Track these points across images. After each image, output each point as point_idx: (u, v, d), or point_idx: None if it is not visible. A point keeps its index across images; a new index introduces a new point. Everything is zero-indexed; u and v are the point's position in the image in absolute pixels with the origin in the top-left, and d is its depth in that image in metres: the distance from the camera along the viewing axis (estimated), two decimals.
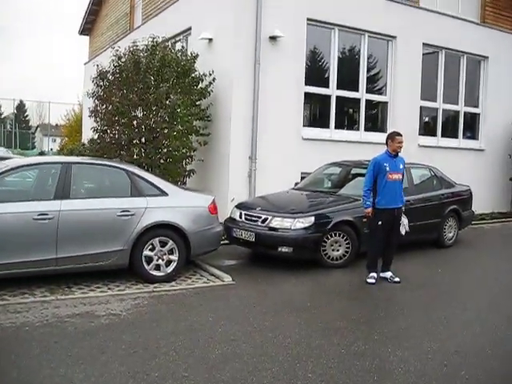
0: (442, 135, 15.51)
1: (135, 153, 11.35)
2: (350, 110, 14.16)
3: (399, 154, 8.10)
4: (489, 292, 7.75)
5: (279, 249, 8.34)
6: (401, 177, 8.04)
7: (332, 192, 9.92)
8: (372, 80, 14.14)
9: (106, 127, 11.58)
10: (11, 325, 5.56)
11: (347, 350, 5.18)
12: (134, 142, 11.33)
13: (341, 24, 13.06)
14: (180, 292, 7.09)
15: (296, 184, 10.73)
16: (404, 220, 8.17)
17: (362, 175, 9.63)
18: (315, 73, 13.17)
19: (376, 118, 14.45)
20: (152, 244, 7.34)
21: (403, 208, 8.16)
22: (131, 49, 11.52)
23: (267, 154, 11.77)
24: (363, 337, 5.58)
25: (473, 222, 12.53)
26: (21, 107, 66.26)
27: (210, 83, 11.80)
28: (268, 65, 11.79)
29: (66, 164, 7.19)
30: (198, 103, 11.77)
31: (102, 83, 11.58)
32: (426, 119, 15.66)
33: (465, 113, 16.04)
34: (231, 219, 9.25)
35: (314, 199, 9.60)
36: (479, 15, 16.18)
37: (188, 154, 11.62)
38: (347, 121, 14.11)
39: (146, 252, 7.32)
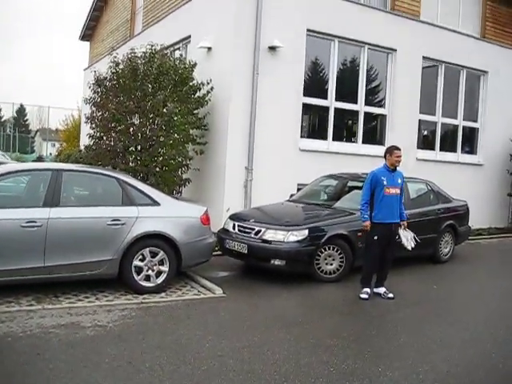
0: (441, 149, 15.44)
1: (131, 160, 11.24)
2: (349, 122, 14.09)
3: (398, 168, 8.00)
4: (484, 310, 7.64)
5: (272, 261, 8.23)
6: (399, 191, 7.92)
7: (327, 205, 9.82)
8: (371, 92, 14.07)
9: (101, 134, 11.49)
10: None
11: (336, 369, 5.06)
12: (130, 149, 11.24)
13: (341, 36, 13.01)
14: (169, 304, 6.96)
15: (291, 196, 10.63)
16: (408, 234, 8.05)
17: (359, 188, 9.57)
18: (314, 84, 13.10)
19: (374, 131, 14.37)
20: (142, 254, 7.23)
21: (405, 223, 8.05)
22: (129, 56, 11.45)
23: (264, 164, 11.68)
24: (354, 355, 5.46)
25: (469, 238, 12.44)
26: (21, 111, 66.28)
27: (208, 92, 11.72)
28: (267, 75, 11.72)
29: (56, 171, 7.07)
30: (195, 112, 11.69)
31: (99, 89, 11.51)
32: (425, 133, 15.59)
33: (464, 127, 15.98)
34: (224, 230, 9.14)
35: (309, 212, 9.51)
36: (479, 30, 16.18)
37: (184, 162, 11.52)
38: (345, 133, 14.05)
39: (136, 262, 7.20)
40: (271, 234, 8.34)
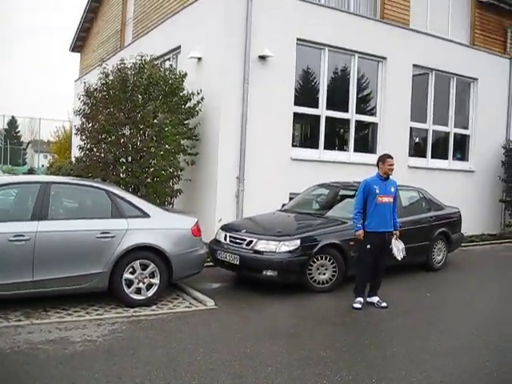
0: (432, 156, 15.45)
1: (121, 172, 11.18)
2: (340, 131, 14.08)
3: (391, 177, 7.98)
4: (477, 318, 7.60)
5: (264, 272, 8.17)
6: (392, 200, 7.88)
7: (319, 214, 9.77)
8: (362, 101, 14.08)
9: (92, 145, 11.43)
10: None
11: (330, 381, 5.00)
12: (121, 160, 11.18)
13: (331, 44, 13.02)
14: (160, 317, 6.88)
15: (283, 205, 10.58)
16: (399, 245, 8.00)
17: (351, 197, 9.58)
18: (305, 93, 13.10)
19: (366, 139, 14.38)
20: (133, 267, 7.16)
21: (398, 232, 8.02)
22: (119, 66, 11.41)
23: (255, 174, 11.64)
24: (347, 366, 5.40)
25: (462, 244, 12.45)
26: (12, 123, 66.17)
27: (199, 102, 11.69)
28: (257, 84, 11.70)
29: (45, 184, 7.01)
30: (185, 122, 11.65)
31: (88, 101, 11.46)
32: (416, 140, 15.60)
33: (455, 134, 16.01)
34: (216, 241, 9.08)
35: (301, 221, 9.45)
36: (469, 37, 16.27)
37: (175, 173, 11.47)
38: (337, 141, 14.03)
39: (127, 275, 7.13)
40: (263, 245, 8.29)
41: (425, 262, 10.55)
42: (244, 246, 8.45)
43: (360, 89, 13.91)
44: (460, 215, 11.60)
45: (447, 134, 15.88)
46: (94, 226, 6.99)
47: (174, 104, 11.40)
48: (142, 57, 11.59)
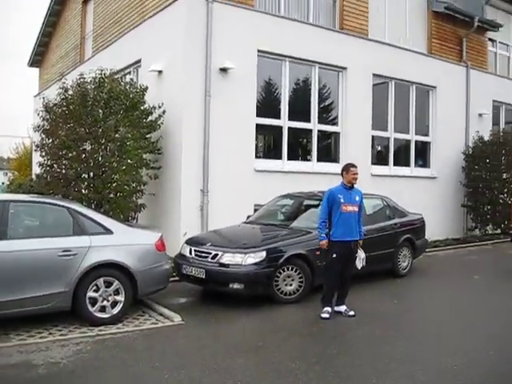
0: (395, 164, 15.63)
1: (83, 188, 11.01)
2: (303, 141, 14.13)
3: (355, 186, 8.01)
4: (443, 323, 7.63)
5: (230, 285, 8.10)
6: (356, 209, 7.90)
7: (284, 225, 9.76)
8: (324, 111, 14.17)
9: (52, 162, 11.23)
10: None
11: None
12: (82, 176, 11.01)
13: (291, 55, 13.09)
14: (126, 335, 6.75)
15: (248, 217, 10.54)
16: (361, 254, 8.02)
17: (315, 207, 9.60)
18: (267, 104, 13.13)
19: (329, 149, 14.47)
20: (96, 285, 7.01)
21: (361, 242, 8.05)
22: (78, 81, 11.27)
23: (219, 186, 11.59)
24: (316, 377, 5.38)
25: (427, 250, 12.60)
26: None
27: (160, 116, 11.61)
28: (219, 97, 11.68)
29: (3, 202, 6.84)
30: (147, 136, 11.54)
31: (48, 116, 11.27)
32: (379, 148, 15.76)
33: (416, 141, 16.24)
34: (181, 255, 8.97)
35: (266, 233, 9.42)
36: (426, 47, 16.57)
37: (138, 188, 11.34)
38: (300, 152, 14.08)
39: (90, 293, 6.97)
40: (229, 258, 8.22)
41: (391, 268, 10.62)
42: (209, 259, 8.37)
43: (321, 99, 14.01)
44: (423, 221, 11.73)
45: (408, 141, 16.10)
46: (55, 244, 6.83)
47: (135, 118, 11.29)
48: (101, 71, 11.45)
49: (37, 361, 5.70)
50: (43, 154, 11.28)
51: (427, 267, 11.93)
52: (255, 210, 11.17)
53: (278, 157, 13.06)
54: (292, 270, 8.48)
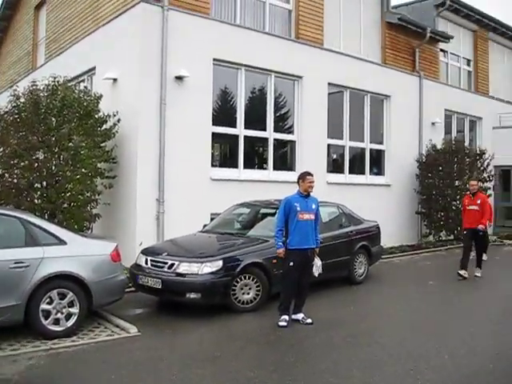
0: (350, 172, 15.81)
1: (36, 197, 10.77)
2: (259, 150, 14.17)
3: (312, 194, 8.06)
4: (399, 328, 7.75)
5: (187, 295, 8.03)
6: (313, 217, 7.95)
7: (241, 233, 9.75)
8: (280, 119, 14.25)
9: (3, 171, 10.95)
10: None
11: None
12: (35, 186, 10.76)
13: (247, 64, 13.12)
14: (81, 348, 6.62)
15: (204, 226, 10.49)
16: (317, 261, 8.06)
17: (272, 215, 9.63)
18: (223, 112, 13.12)
19: (285, 157, 14.53)
20: (50, 297, 6.84)
21: (317, 249, 8.08)
22: (31, 88, 11.04)
23: (175, 195, 11.50)
24: None
25: (383, 257, 12.77)
26: None
27: (115, 124, 11.45)
28: (174, 105, 11.61)
29: None
30: (102, 145, 11.36)
31: None
32: (334, 156, 15.93)
33: (371, 150, 16.47)
34: (137, 265, 8.84)
35: (223, 242, 9.38)
36: (380, 56, 16.87)
37: (93, 197, 11.14)
38: (256, 160, 14.10)
39: (44, 306, 6.80)
40: (185, 267, 8.15)
41: (347, 275, 10.71)
42: (166, 269, 8.28)
43: (277, 107, 14.08)
44: (379, 228, 11.89)
45: (363, 149, 16.31)
46: (6, 256, 6.62)
47: (89, 126, 11.11)
48: (55, 78, 11.24)
49: None
50: None
51: (383, 274, 12.08)
52: (211, 219, 11.13)
53: (235, 165, 13.05)
54: (249, 278, 8.47)
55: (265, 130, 13.61)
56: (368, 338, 7.17)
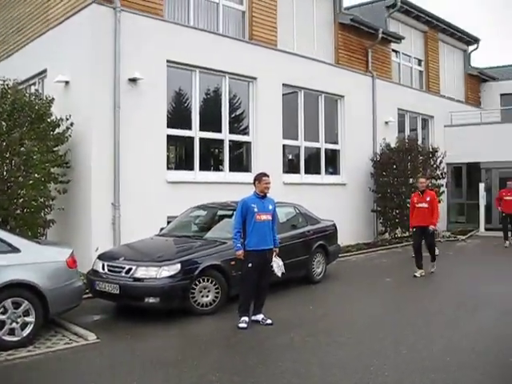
0: (306, 172, 15.91)
1: None
2: (215, 151, 14.15)
3: (268, 194, 8.08)
4: (359, 327, 7.82)
5: (146, 299, 7.93)
6: (270, 218, 7.97)
7: (198, 236, 9.70)
8: (235, 120, 14.25)
9: None
10: None
11: None
12: None
13: (201, 66, 13.07)
14: (38, 357, 6.46)
15: (161, 229, 10.40)
16: (279, 261, 8.08)
17: (229, 217, 9.63)
18: (178, 115, 13.04)
19: (241, 158, 14.54)
20: (4, 306, 6.63)
21: (277, 249, 8.11)
22: None
23: (131, 199, 11.38)
24: None
25: (340, 255, 12.87)
26: None
27: (68, 128, 11.25)
28: (128, 108, 11.49)
29: None
30: (55, 149, 11.15)
31: None
32: (290, 157, 16.01)
33: (326, 149, 16.63)
34: (94, 271, 8.69)
35: (180, 245, 9.31)
36: (333, 57, 17.06)
37: (46, 203, 10.94)
38: (212, 162, 14.07)
39: None
40: (143, 272, 8.07)
41: (305, 275, 10.77)
42: (123, 274, 8.18)
43: (232, 109, 14.08)
44: (335, 227, 12.00)
45: (318, 149, 16.45)
46: None
47: (41, 131, 10.88)
48: (4, 81, 10.99)
49: None
50: None
51: (341, 272, 12.21)
52: (168, 222, 11.05)
53: (190, 168, 12.99)
54: (208, 281, 8.44)
55: (220, 131, 13.59)
56: (327, 337, 7.23)
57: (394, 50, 19.93)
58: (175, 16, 13.15)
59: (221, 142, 13.65)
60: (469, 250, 16.59)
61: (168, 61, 12.33)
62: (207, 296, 8.44)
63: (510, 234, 16.91)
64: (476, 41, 24.69)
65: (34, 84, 13.68)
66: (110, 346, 6.96)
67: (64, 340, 7.20)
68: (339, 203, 16.04)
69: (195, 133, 13.01)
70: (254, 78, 14.24)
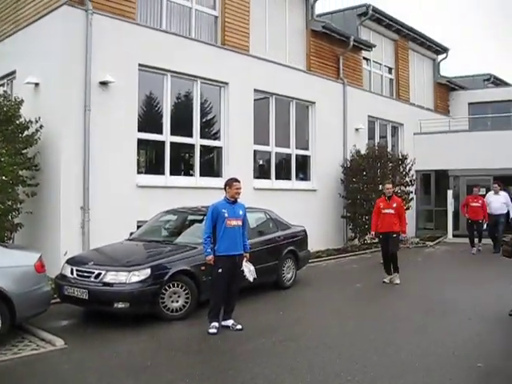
0: (276, 178, 15.96)
1: None
2: (186, 156, 14.10)
3: (239, 200, 8.09)
4: (329, 332, 7.85)
5: (115, 305, 7.86)
6: (240, 223, 7.98)
7: (169, 241, 9.66)
8: (206, 125, 14.22)
9: None
10: None
11: None
12: None
13: (173, 70, 13.03)
14: (4, 364, 6.34)
15: (131, 234, 10.33)
16: (250, 267, 8.10)
17: (199, 222, 9.62)
18: (149, 119, 12.97)
19: (211, 163, 14.52)
20: None
21: (248, 254, 8.12)
22: None
23: (101, 203, 11.27)
24: None
25: (310, 261, 12.90)
26: None
27: (37, 130, 11.11)
28: (99, 111, 11.40)
29: None
30: (24, 152, 11.00)
31: None
32: (260, 162, 16.04)
33: (296, 155, 16.70)
34: (62, 276, 8.58)
35: (150, 249, 9.26)
36: (305, 63, 17.16)
37: (14, 206, 10.77)
38: (183, 167, 14.03)
39: None
40: (112, 276, 7.99)
41: (276, 280, 10.78)
42: (92, 279, 8.09)
43: (203, 114, 14.05)
44: (306, 233, 12.04)
45: (289, 155, 16.52)
46: None
47: (10, 132, 10.73)
48: None
49: None
50: None
51: (311, 278, 12.24)
52: (138, 227, 10.97)
53: (161, 172, 12.93)
54: (178, 286, 8.40)
55: (191, 136, 13.55)
56: (298, 343, 7.25)
57: (365, 58, 20.17)
58: (148, 20, 13.08)
59: (192, 146, 13.62)
60: (437, 256, 16.80)
61: (140, 64, 12.27)
62: (177, 301, 8.40)
63: (476, 240, 17.14)
64: (445, 50, 25.09)
65: (3, 85, 13.46)
66: (79, 351, 6.87)
67: (31, 346, 7.09)
68: (309, 209, 16.13)
69: (166, 137, 12.96)
70: (226, 83, 14.25)
